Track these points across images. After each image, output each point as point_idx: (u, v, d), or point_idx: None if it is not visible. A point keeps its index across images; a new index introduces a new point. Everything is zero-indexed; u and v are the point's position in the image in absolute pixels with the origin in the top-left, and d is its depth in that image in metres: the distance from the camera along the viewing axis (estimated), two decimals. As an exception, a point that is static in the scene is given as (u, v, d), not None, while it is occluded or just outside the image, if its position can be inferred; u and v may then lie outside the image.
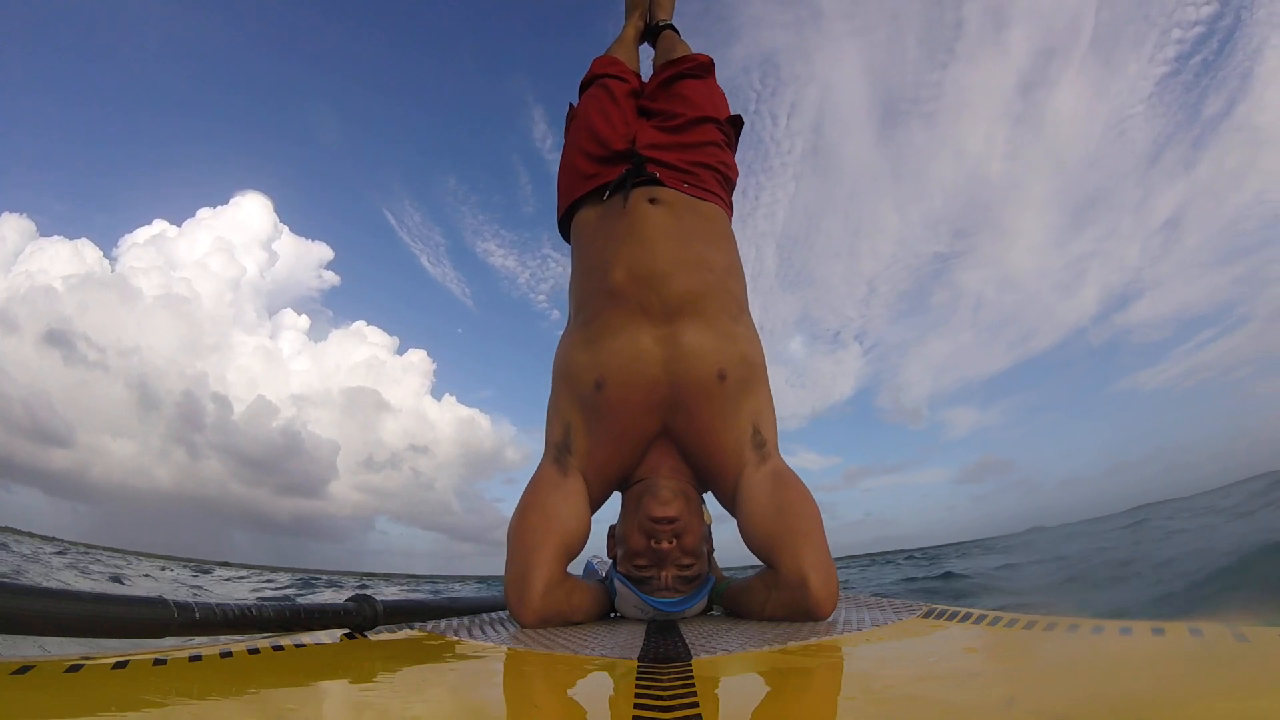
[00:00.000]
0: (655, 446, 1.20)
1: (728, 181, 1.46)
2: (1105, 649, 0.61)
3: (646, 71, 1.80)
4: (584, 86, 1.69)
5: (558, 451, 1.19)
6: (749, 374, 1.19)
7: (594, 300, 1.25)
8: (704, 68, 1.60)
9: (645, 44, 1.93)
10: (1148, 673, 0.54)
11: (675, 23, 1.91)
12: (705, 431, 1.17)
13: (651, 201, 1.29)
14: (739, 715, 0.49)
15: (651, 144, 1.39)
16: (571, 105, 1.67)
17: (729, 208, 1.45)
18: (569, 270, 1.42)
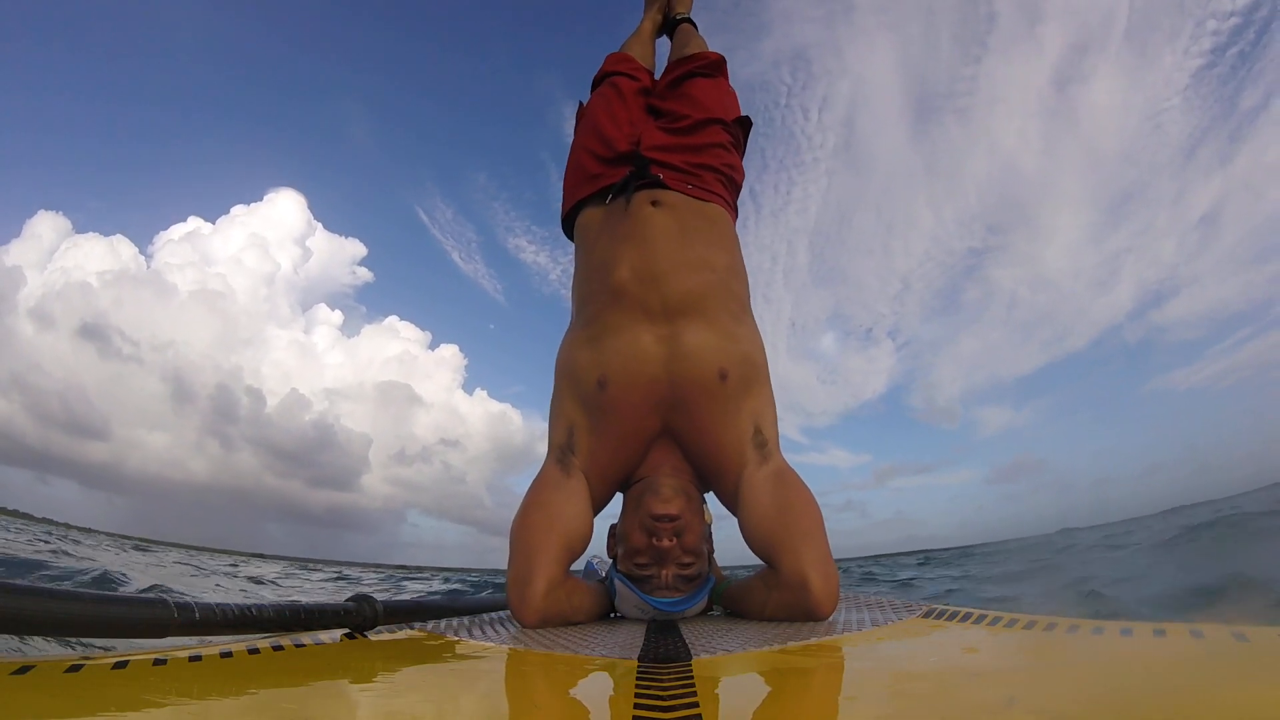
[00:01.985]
0: (657, 446, 1.21)
1: (732, 183, 1.46)
2: (1105, 649, 0.61)
3: (664, 64, 1.80)
4: (596, 83, 1.69)
5: (561, 452, 1.19)
6: (750, 373, 1.19)
7: (596, 299, 1.25)
8: (715, 66, 1.59)
9: (665, 36, 1.92)
10: (1148, 673, 0.54)
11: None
12: (706, 431, 1.17)
13: (654, 204, 1.29)
14: (739, 715, 0.49)
15: (656, 146, 1.40)
16: (581, 103, 1.67)
17: (733, 209, 1.45)
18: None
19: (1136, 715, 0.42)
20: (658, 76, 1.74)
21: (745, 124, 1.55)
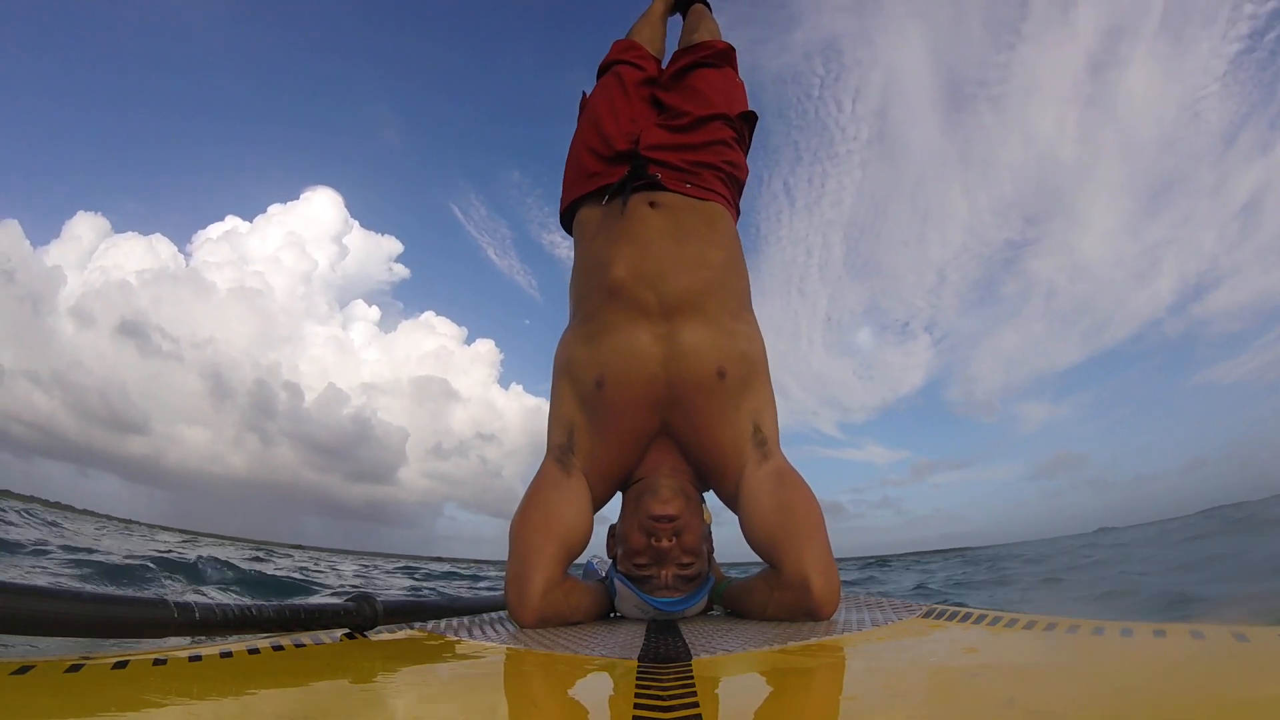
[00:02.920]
0: (655, 445, 1.21)
1: (733, 181, 1.43)
2: (1105, 650, 0.61)
3: (674, 44, 1.74)
4: (601, 72, 1.66)
5: (560, 451, 1.19)
6: (749, 371, 1.19)
7: (593, 298, 1.25)
8: (721, 56, 1.55)
9: (679, 14, 1.86)
10: (1148, 673, 0.54)
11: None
12: (705, 429, 1.17)
13: (651, 204, 1.29)
14: (739, 715, 0.49)
15: (655, 145, 1.38)
16: (584, 93, 1.63)
17: (733, 206, 1.42)
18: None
19: (1137, 716, 0.42)
20: (668, 58, 1.69)
21: (750, 119, 1.51)
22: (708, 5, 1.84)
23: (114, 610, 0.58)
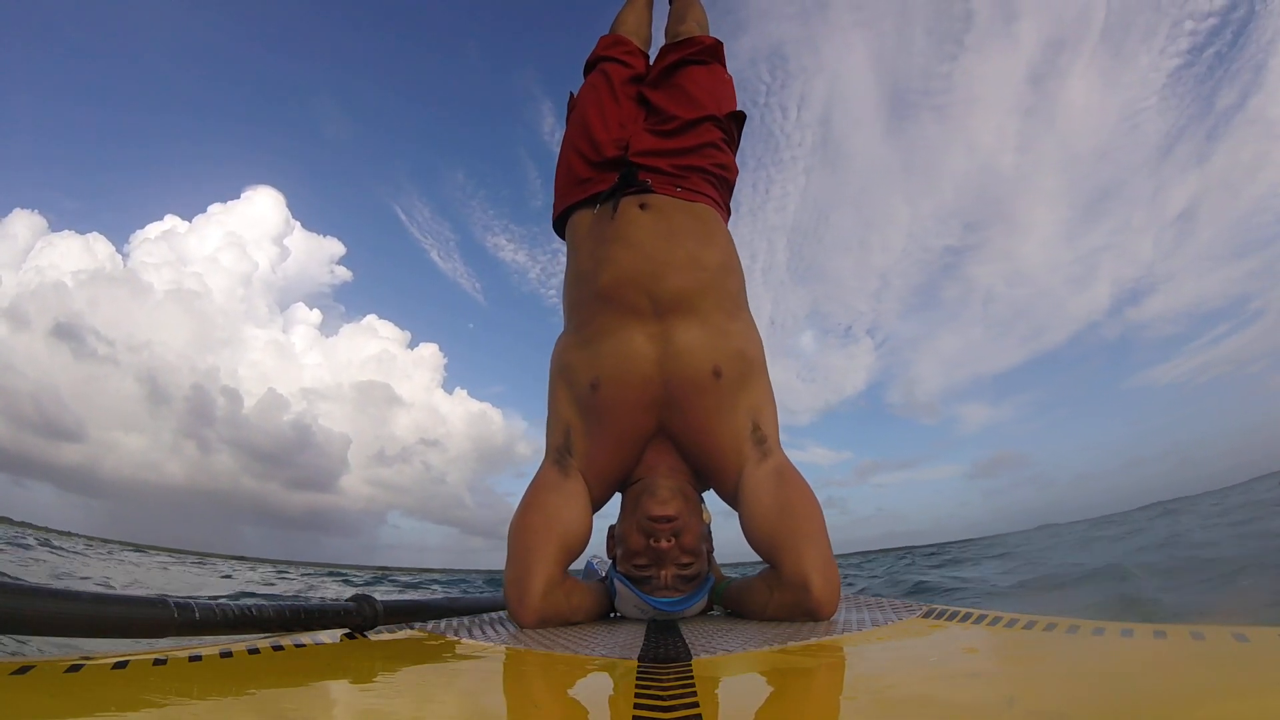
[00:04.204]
0: (653, 446, 1.21)
1: (724, 182, 1.43)
2: (1105, 650, 0.61)
3: (659, 36, 1.72)
4: (587, 69, 1.66)
5: (558, 453, 1.19)
6: (745, 370, 1.19)
7: (587, 303, 1.25)
8: (710, 52, 1.54)
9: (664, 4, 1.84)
10: (1148, 674, 0.54)
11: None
12: (702, 429, 1.17)
13: (641, 207, 1.28)
14: (739, 715, 0.49)
15: (645, 151, 1.38)
16: (572, 94, 1.63)
17: (723, 208, 1.42)
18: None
19: (1136, 716, 0.42)
20: (655, 47, 1.67)
21: (739, 118, 1.51)
22: None
23: (114, 610, 0.58)
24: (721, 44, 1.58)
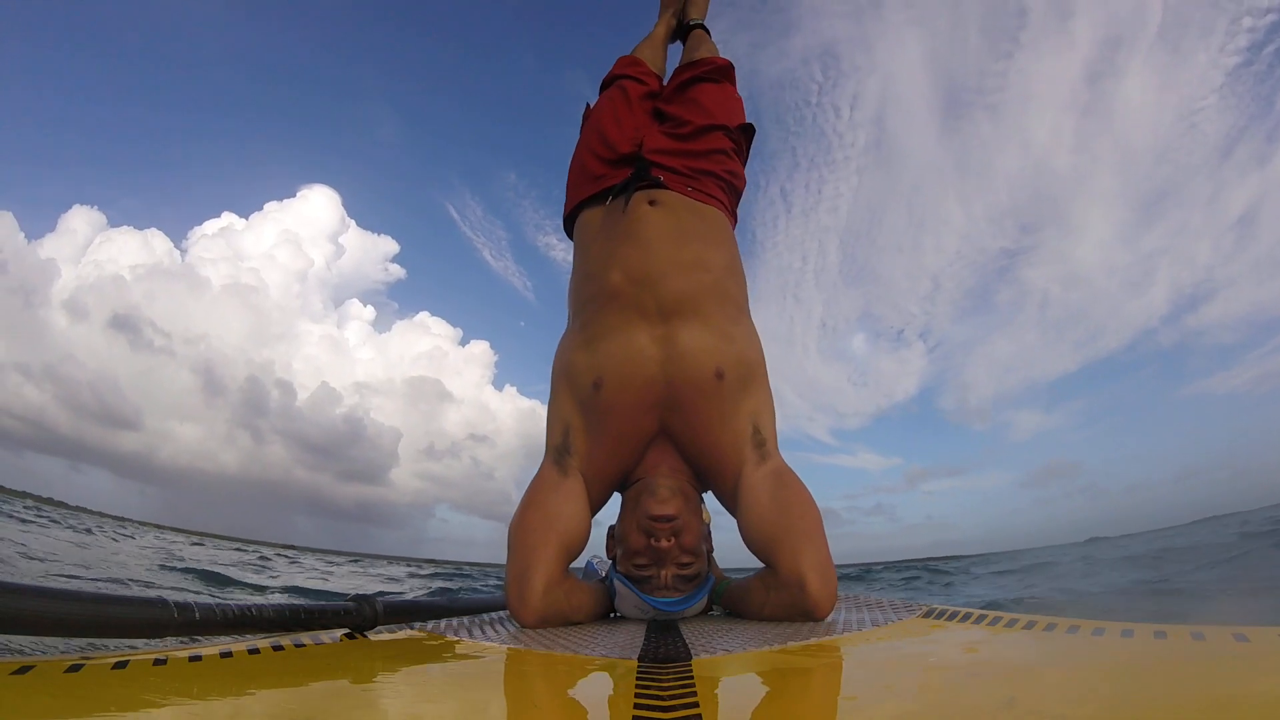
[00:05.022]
0: (654, 446, 1.21)
1: (732, 189, 1.47)
2: (1106, 650, 0.61)
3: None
4: (604, 85, 1.71)
5: (558, 453, 1.19)
6: (747, 373, 1.19)
7: (592, 301, 1.25)
8: (721, 71, 1.61)
9: (678, 42, 1.94)
10: (1148, 674, 0.54)
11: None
12: (703, 431, 1.17)
13: (651, 204, 1.30)
14: (739, 715, 0.49)
15: (658, 149, 1.41)
16: (588, 105, 1.69)
17: (731, 214, 1.46)
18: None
19: (1136, 716, 0.42)
20: (667, 79, 1.75)
21: (748, 131, 1.56)
22: (706, 31, 1.90)
23: (114, 610, 0.58)
24: (733, 65, 1.64)
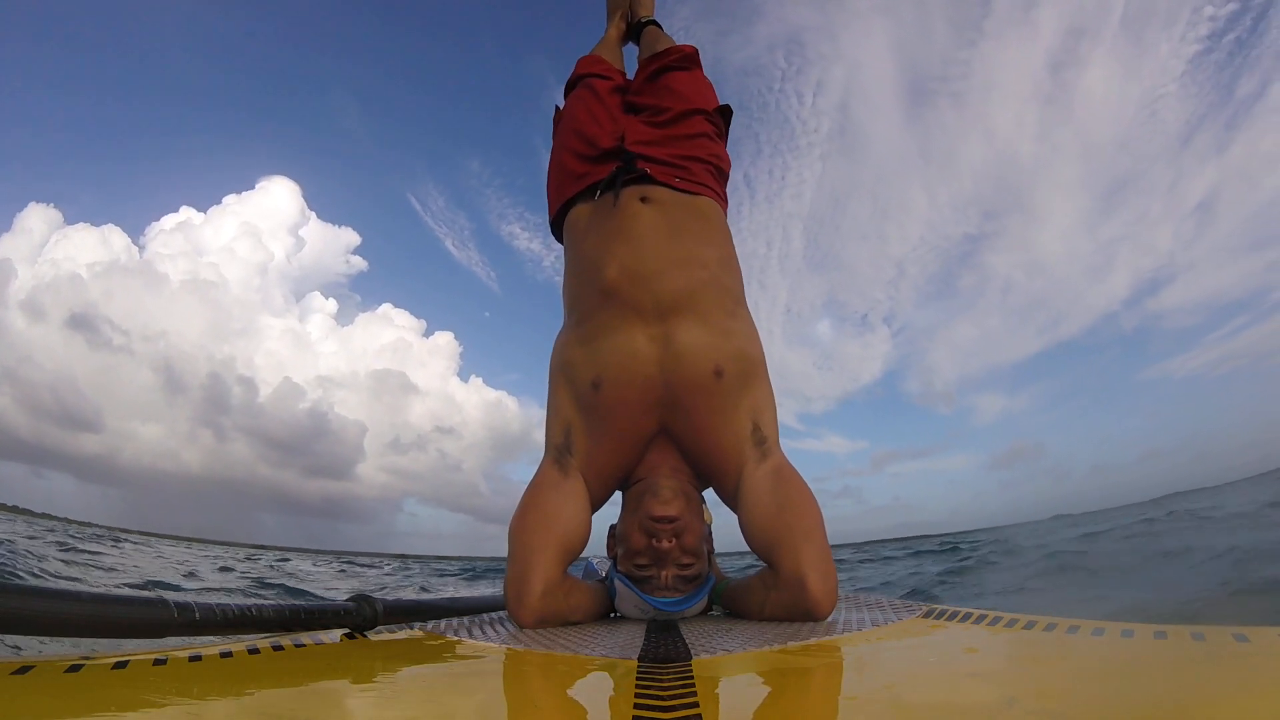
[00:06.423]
0: (655, 446, 1.20)
1: (720, 173, 1.44)
2: (1106, 650, 0.61)
3: (632, 70, 1.79)
4: (569, 88, 1.68)
5: (558, 452, 1.18)
6: (747, 369, 1.19)
7: (587, 300, 1.24)
8: (689, 59, 1.58)
9: (631, 44, 1.92)
10: (1148, 674, 0.54)
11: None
12: (704, 429, 1.17)
13: (643, 200, 1.28)
14: (739, 715, 0.49)
15: (641, 140, 1.38)
16: (557, 108, 1.66)
17: (723, 200, 1.43)
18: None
19: (1137, 716, 0.42)
20: (632, 77, 1.72)
21: (726, 113, 1.53)
22: (659, 26, 1.88)
23: (114, 610, 0.58)
24: (698, 51, 1.61)
